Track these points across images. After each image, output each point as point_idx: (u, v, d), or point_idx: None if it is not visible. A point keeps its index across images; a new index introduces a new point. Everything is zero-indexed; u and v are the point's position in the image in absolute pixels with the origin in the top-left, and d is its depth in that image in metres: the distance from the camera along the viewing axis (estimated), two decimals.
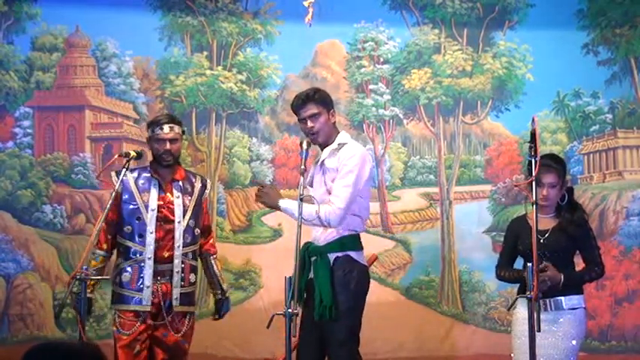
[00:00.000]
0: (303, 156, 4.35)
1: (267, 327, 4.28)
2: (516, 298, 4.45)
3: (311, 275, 4.48)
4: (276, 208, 4.47)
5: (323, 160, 4.52)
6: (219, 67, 6.73)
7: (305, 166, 4.32)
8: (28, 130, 6.62)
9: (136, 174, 4.85)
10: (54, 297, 6.45)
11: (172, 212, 4.80)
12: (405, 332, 6.52)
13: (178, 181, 4.87)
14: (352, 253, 4.48)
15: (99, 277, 4.65)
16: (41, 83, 6.64)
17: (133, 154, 4.72)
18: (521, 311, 4.55)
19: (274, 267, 6.32)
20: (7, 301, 6.46)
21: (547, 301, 4.46)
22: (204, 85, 6.71)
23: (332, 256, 4.45)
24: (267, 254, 6.59)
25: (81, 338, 4.54)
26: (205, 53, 6.73)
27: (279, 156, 6.74)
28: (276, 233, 6.66)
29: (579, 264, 4.75)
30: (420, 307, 6.61)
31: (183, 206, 4.83)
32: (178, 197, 4.83)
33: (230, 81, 6.71)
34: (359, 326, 4.49)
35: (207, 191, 5.00)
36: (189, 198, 4.88)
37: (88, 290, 4.57)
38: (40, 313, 6.47)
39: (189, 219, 4.84)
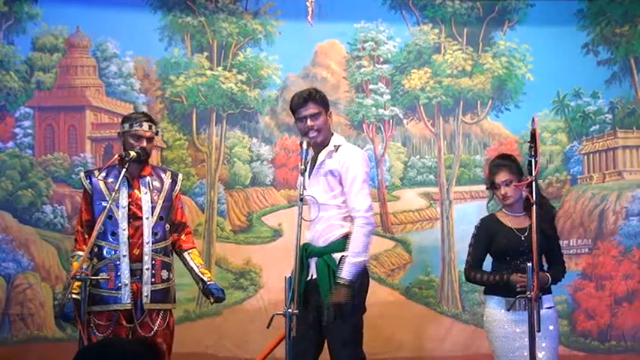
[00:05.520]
0: (303, 156, 4.36)
1: (267, 327, 4.30)
2: (516, 298, 4.45)
3: (313, 276, 4.50)
4: (350, 287, 4.40)
5: (322, 162, 4.55)
6: (220, 68, 6.73)
7: (305, 166, 4.34)
8: (29, 131, 6.62)
9: (104, 173, 4.87)
10: (54, 297, 6.46)
11: (140, 209, 4.80)
12: (405, 332, 6.52)
13: (145, 177, 4.87)
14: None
15: (99, 278, 4.65)
16: (42, 83, 6.65)
17: (132, 154, 4.74)
18: (495, 312, 4.58)
19: (274, 267, 6.33)
20: (7, 300, 6.47)
21: (523, 300, 4.40)
22: (205, 85, 6.71)
23: (337, 256, 4.48)
24: (267, 254, 6.59)
25: (81, 338, 4.55)
26: (206, 54, 6.74)
27: (280, 156, 6.74)
28: (276, 233, 6.66)
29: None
30: (420, 307, 6.61)
31: (152, 202, 4.82)
32: (146, 194, 4.83)
33: (230, 81, 6.72)
34: (362, 325, 4.51)
35: (177, 187, 4.98)
36: (158, 194, 4.87)
37: (75, 292, 4.57)
38: (40, 313, 6.47)
39: (159, 215, 4.83)
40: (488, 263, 4.85)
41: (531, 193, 4.29)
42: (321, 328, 4.50)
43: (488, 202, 5.01)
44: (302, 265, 4.45)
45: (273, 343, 4.46)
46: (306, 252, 4.52)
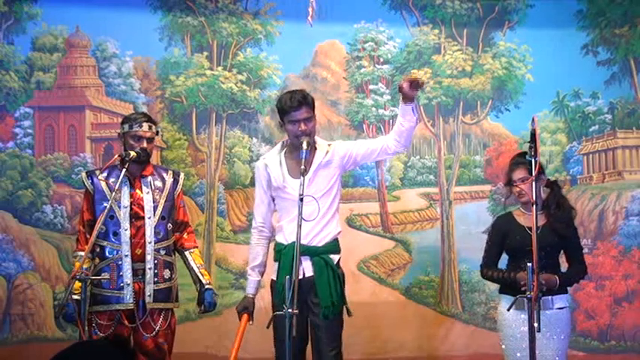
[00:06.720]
0: (303, 156, 4.37)
1: (268, 327, 4.31)
2: (516, 298, 4.45)
3: (305, 274, 4.50)
4: (412, 98, 4.45)
5: (320, 161, 4.58)
6: (220, 68, 6.73)
7: (304, 166, 4.34)
8: (29, 131, 6.62)
9: (106, 173, 4.88)
10: (54, 297, 6.46)
11: (142, 209, 4.80)
12: (405, 332, 6.52)
13: (146, 177, 4.88)
14: (340, 256, 4.63)
15: (99, 278, 4.65)
16: (41, 83, 6.65)
17: (132, 154, 4.74)
18: (505, 311, 4.58)
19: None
20: (7, 300, 6.48)
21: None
22: (205, 85, 6.71)
23: (335, 258, 4.56)
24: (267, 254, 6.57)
25: (81, 338, 4.56)
26: (205, 53, 6.74)
27: None
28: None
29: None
30: (420, 307, 6.61)
31: (154, 202, 4.83)
32: (148, 193, 4.84)
33: (230, 81, 6.72)
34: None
35: (179, 186, 4.99)
36: (160, 194, 4.88)
37: (75, 292, 4.57)
38: (40, 313, 6.48)
39: (160, 214, 4.84)
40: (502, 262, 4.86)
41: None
42: (308, 325, 4.52)
43: (505, 200, 4.99)
44: (292, 264, 4.46)
45: (241, 333, 4.44)
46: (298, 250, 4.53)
